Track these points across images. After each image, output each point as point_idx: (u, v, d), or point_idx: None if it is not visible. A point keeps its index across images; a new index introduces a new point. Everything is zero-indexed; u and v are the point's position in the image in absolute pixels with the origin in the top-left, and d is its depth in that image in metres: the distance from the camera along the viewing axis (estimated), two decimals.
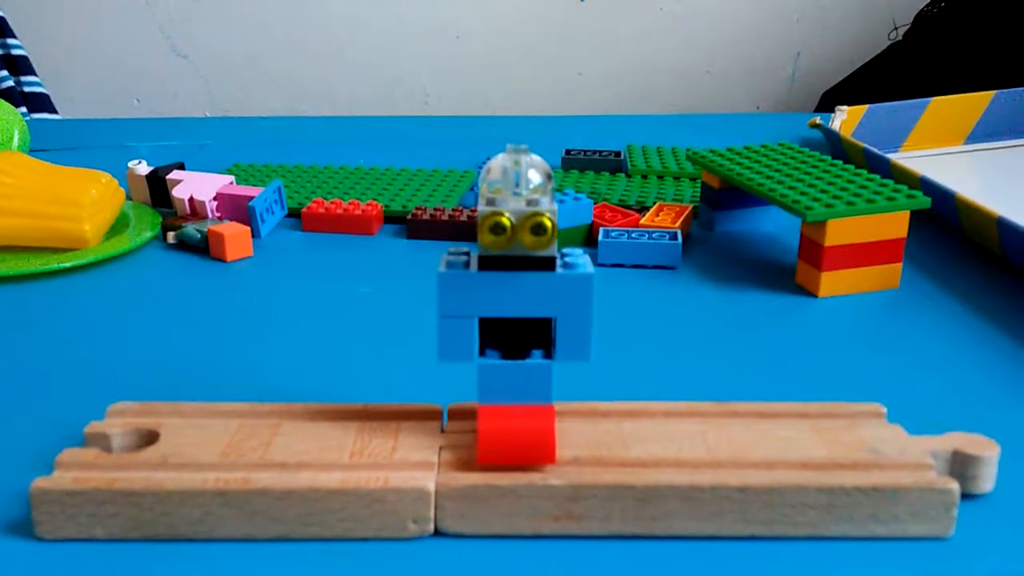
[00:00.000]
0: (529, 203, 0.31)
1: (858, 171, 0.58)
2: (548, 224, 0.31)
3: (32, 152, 0.80)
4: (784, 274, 0.57)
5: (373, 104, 1.93)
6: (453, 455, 0.33)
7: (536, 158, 0.32)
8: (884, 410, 0.36)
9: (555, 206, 0.31)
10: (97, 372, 0.44)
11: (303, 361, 0.46)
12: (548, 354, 0.33)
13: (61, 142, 0.89)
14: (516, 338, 0.33)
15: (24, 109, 1.44)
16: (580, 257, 0.33)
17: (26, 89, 1.45)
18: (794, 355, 0.46)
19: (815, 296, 0.53)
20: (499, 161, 0.32)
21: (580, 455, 0.33)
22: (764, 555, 0.31)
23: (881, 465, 0.32)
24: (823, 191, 0.55)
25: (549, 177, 0.32)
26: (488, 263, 0.32)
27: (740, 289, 0.55)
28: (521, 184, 0.31)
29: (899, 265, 0.54)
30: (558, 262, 0.32)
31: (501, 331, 0.33)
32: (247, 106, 1.90)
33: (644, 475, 0.32)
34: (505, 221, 0.31)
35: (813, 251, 0.53)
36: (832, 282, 0.53)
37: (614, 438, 0.34)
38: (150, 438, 0.35)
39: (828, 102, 1.75)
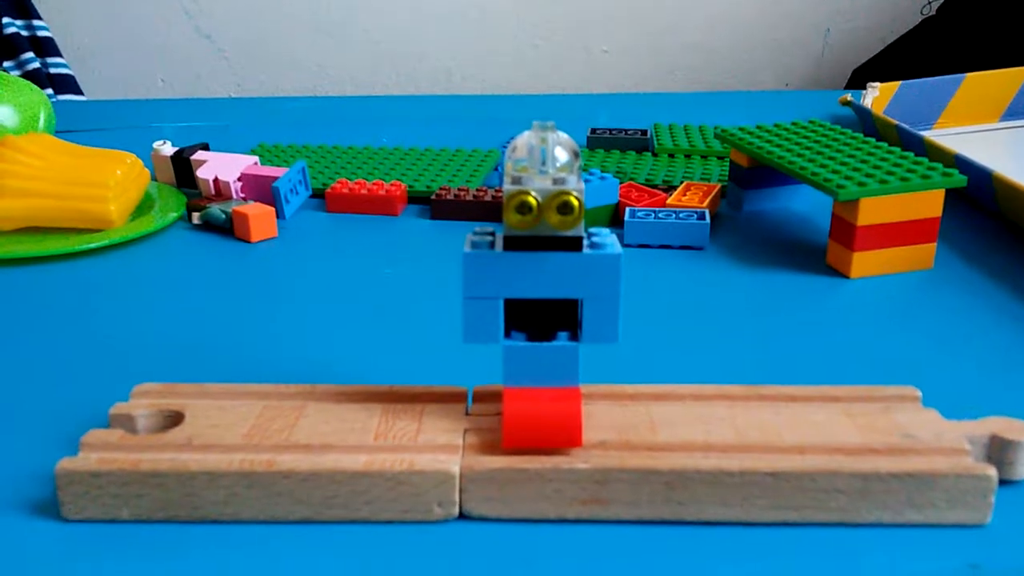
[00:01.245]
0: (556, 182, 0.31)
1: (891, 148, 0.57)
2: (575, 203, 0.30)
3: (58, 133, 0.80)
4: (815, 255, 0.56)
5: (397, 84, 1.93)
6: (478, 438, 0.33)
7: (563, 135, 0.31)
8: (919, 394, 0.35)
9: (582, 185, 0.31)
10: (122, 353, 0.44)
11: (328, 342, 0.45)
12: (575, 336, 0.32)
13: (86, 123, 0.90)
14: (542, 320, 0.33)
15: (50, 90, 1.45)
16: (607, 237, 0.32)
17: (52, 71, 1.46)
18: (825, 337, 0.45)
19: (847, 277, 0.52)
20: (525, 139, 0.31)
21: (607, 439, 0.32)
22: (795, 541, 0.31)
23: (916, 450, 0.32)
24: (855, 169, 0.53)
25: (576, 155, 0.31)
26: (514, 243, 0.31)
27: (769, 270, 0.54)
28: (547, 162, 0.31)
29: (933, 245, 0.53)
30: (585, 242, 0.32)
31: (527, 312, 0.33)
32: (270, 87, 1.90)
33: (672, 459, 0.31)
34: (531, 200, 0.30)
35: (845, 231, 0.52)
36: (864, 262, 0.52)
37: (642, 421, 0.34)
38: (175, 419, 0.35)
39: (859, 79, 1.72)
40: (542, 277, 0.31)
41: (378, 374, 0.42)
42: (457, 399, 0.35)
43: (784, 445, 0.32)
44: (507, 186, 0.31)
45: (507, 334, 0.33)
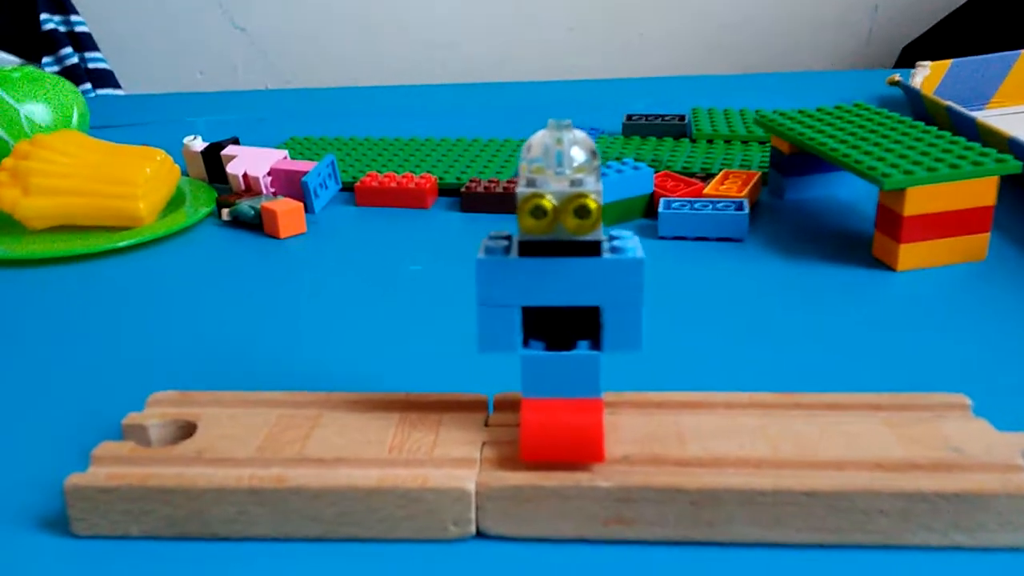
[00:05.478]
0: (572, 183, 0.29)
1: (941, 133, 0.54)
2: (592, 206, 0.28)
3: (94, 128, 0.81)
4: (860, 246, 0.53)
5: (431, 73, 1.91)
6: (496, 451, 0.31)
7: (580, 134, 0.29)
8: (969, 402, 0.33)
9: (600, 186, 0.29)
10: (144, 355, 0.44)
11: (351, 343, 0.44)
12: (595, 345, 0.31)
13: (123, 118, 0.90)
14: (561, 327, 0.31)
15: (88, 85, 1.46)
16: (629, 240, 0.30)
17: (90, 65, 1.47)
18: (869, 336, 0.43)
19: (893, 270, 0.50)
20: (540, 138, 0.29)
21: (631, 453, 0.31)
22: (832, 565, 0.29)
23: (965, 466, 0.29)
24: (902, 156, 0.51)
25: (594, 154, 0.29)
26: (529, 248, 0.30)
27: (811, 263, 0.51)
28: (564, 163, 0.29)
29: (986, 235, 0.50)
30: (605, 246, 0.30)
31: (545, 320, 0.31)
32: (306, 77, 1.90)
33: (700, 477, 0.29)
34: (546, 204, 0.29)
35: (891, 221, 0.50)
36: (912, 254, 0.50)
37: (669, 433, 0.32)
38: (188, 429, 0.34)
39: (909, 57, 1.66)
40: (559, 284, 0.30)
41: (402, 376, 0.41)
42: (477, 408, 0.34)
43: (821, 460, 0.30)
44: (521, 188, 0.29)
45: (525, 343, 0.31)
